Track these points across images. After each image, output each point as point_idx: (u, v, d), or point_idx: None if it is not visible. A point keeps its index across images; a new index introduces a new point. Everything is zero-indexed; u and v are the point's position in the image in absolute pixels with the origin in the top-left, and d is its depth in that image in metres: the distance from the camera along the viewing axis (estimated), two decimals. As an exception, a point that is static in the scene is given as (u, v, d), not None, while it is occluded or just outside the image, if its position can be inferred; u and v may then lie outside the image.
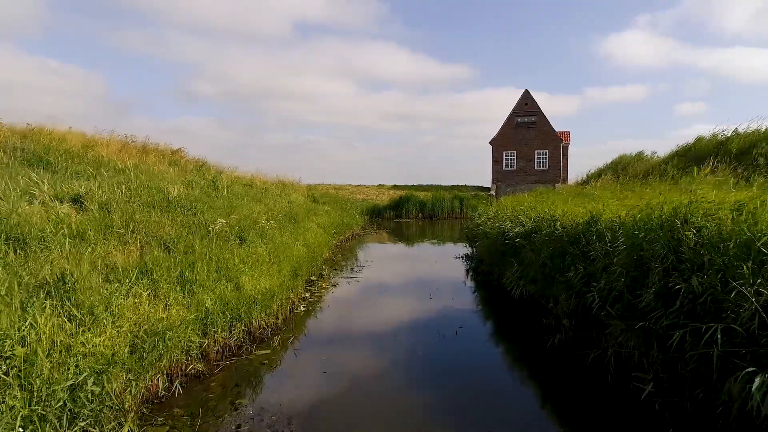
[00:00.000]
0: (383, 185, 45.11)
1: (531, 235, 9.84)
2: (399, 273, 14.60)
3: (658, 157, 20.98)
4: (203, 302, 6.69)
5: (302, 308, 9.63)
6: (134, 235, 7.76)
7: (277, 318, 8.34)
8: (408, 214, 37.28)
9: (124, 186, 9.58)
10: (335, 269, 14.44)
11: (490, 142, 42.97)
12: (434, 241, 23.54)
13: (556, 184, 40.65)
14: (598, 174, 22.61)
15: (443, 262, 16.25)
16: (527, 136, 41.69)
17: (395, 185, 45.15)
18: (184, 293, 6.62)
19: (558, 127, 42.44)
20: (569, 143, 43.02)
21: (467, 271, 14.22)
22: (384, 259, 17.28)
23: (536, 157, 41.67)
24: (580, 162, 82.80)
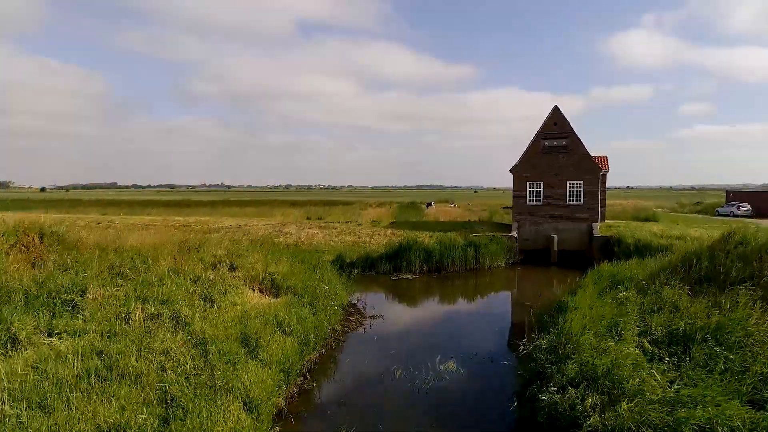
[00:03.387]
0: (378, 223, 37.09)
1: None
2: None
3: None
4: None
5: None
6: None
7: None
8: (409, 266, 29.26)
9: None
10: None
11: (511, 170, 34.98)
12: (450, 344, 15.53)
13: (594, 224, 32.75)
14: (693, 261, 14.57)
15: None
16: (557, 163, 33.70)
17: (393, 222, 37.16)
18: None
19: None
20: (608, 171, 35.08)
21: None
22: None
23: (568, 189, 33.68)
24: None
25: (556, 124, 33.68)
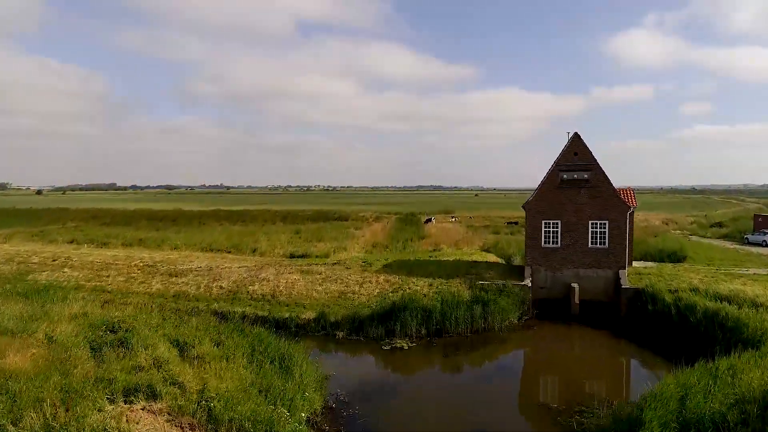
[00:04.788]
0: (369, 265, 32.18)
1: None
2: None
3: None
4: None
5: None
6: None
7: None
8: (405, 329, 24.44)
9: None
10: None
11: (524, 207, 30.21)
12: None
13: (621, 271, 28.02)
14: None
15: None
16: (577, 199, 28.90)
17: (385, 265, 32.25)
18: None
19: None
20: (636, 207, 30.28)
21: None
22: None
23: (590, 229, 28.88)
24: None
25: (576, 154, 28.87)
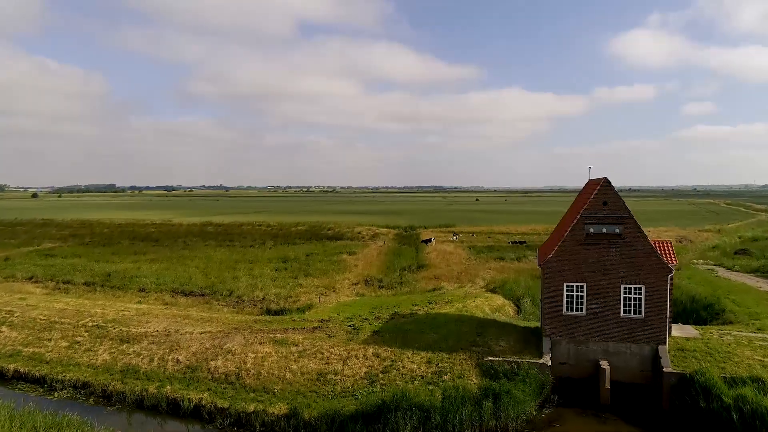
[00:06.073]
0: (356, 331, 26.94)
1: None
2: None
3: None
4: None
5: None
6: None
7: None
8: (397, 434, 19.43)
9: None
10: None
11: (541, 264, 25.17)
12: None
13: (661, 347, 23.12)
14: None
15: None
16: (607, 258, 23.85)
17: (375, 331, 27.00)
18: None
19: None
20: (675, 265, 25.19)
21: None
22: None
23: (623, 295, 23.85)
24: (582, 165, 65.27)
25: (606, 203, 23.84)
